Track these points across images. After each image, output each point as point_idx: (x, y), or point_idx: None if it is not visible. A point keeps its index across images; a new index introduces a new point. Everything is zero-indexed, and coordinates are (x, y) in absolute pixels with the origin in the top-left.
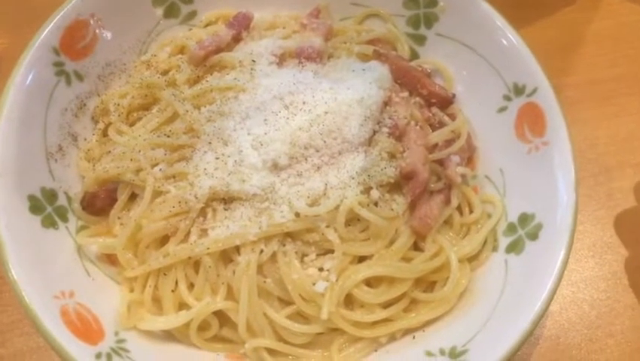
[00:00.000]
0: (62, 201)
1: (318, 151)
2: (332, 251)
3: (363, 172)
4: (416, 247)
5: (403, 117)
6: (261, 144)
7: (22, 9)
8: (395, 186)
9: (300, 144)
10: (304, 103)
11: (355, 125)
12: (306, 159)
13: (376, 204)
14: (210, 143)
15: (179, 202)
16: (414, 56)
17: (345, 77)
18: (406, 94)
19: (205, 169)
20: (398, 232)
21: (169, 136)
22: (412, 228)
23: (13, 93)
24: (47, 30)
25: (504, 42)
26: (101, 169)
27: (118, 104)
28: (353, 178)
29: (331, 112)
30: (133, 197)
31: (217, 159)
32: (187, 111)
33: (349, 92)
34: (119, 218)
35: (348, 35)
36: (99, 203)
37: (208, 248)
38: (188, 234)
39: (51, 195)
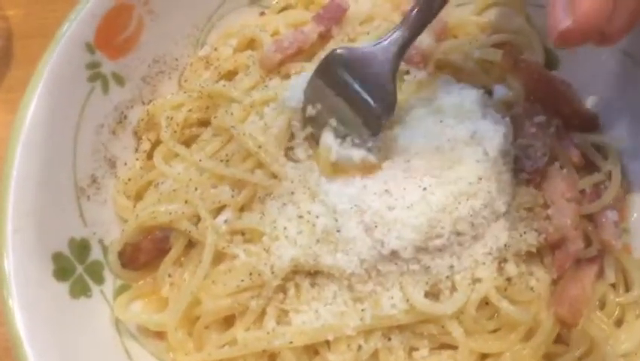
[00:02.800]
0: (96, 254)
1: (458, 235)
2: (450, 346)
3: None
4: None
5: (542, 155)
6: (376, 226)
7: None
8: (533, 254)
9: (438, 231)
10: (446, 164)
11: (505, 188)
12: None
13: (509, 280)
14: (293, 193)
15: (250, 274)
16: (552, 63)
17: (444, 106)
18: (542, 118)
19: (285, 229)
20: (538, 319)
21: (228, 160)
22: (558, 316)
23: (34, 110)
24: (78, 19)
25: None
26: (146, 215)
27: (171, 118)
28: (490, 254)
29: (485, 178)
30: (189, 245)
31: (300, 217)
32: (261, 147)
33: (487, 135)
34: (169, 276)
35: (469, 35)
36: (142, 258)
37: (290, 342)
38: (262, 313)
39: (82, 248)
